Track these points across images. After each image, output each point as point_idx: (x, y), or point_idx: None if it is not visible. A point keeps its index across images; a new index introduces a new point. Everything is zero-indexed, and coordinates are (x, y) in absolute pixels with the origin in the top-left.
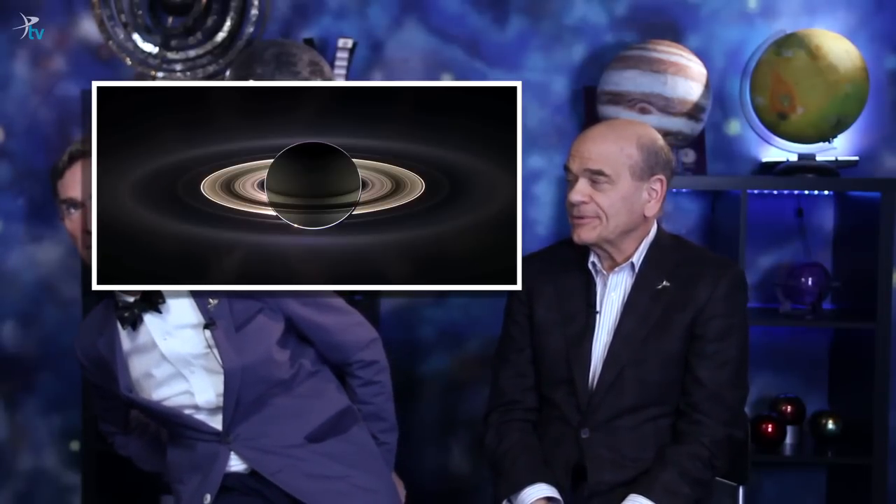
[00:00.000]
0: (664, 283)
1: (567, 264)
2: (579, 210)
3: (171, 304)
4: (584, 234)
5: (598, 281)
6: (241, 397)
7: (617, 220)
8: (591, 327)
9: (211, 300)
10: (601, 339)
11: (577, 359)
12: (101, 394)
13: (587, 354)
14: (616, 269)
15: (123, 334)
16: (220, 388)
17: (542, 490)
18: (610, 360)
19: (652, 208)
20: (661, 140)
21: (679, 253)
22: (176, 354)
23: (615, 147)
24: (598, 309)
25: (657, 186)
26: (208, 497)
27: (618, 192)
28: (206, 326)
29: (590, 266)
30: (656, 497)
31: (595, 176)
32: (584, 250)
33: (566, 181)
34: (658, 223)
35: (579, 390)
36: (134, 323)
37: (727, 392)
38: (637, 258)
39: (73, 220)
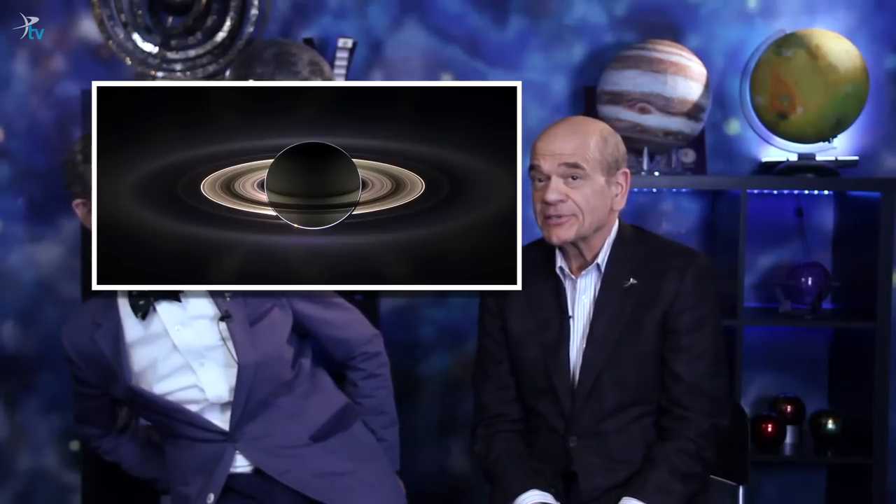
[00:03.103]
0: (631, 280)
1: (535, 271)
2: (556, 209)
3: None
4: (563, 233)
5: (568, 285)
6: (251, 394)
7: (592, 217)
8: (566, 333)
9: (225, 294)
10: (576, 344)
11: (556, 366)
12: (89, 392)
13: (565, 361)
14: (584, 271)
15: (129, 324)
16: (233, 383)
17: (534, 496)
18: (586, 365)
19: (619, 202)
20: (617, 134)
21: (642, 246)
22: (188, 346)
23: (585, 141)
24: (570, 314)
25: (622, 180)
26: (212, 497)
27: (591, 188)
28: (222, 318)
29: (558, 271)
30: (648, 498)
31: (571, 170)
32: (551, 255)
33: (533, 183)
34: (619, 218)
35: (562, 398)
36: (146, 312)
37: (706, 383)
38: (602, 258)
39: None
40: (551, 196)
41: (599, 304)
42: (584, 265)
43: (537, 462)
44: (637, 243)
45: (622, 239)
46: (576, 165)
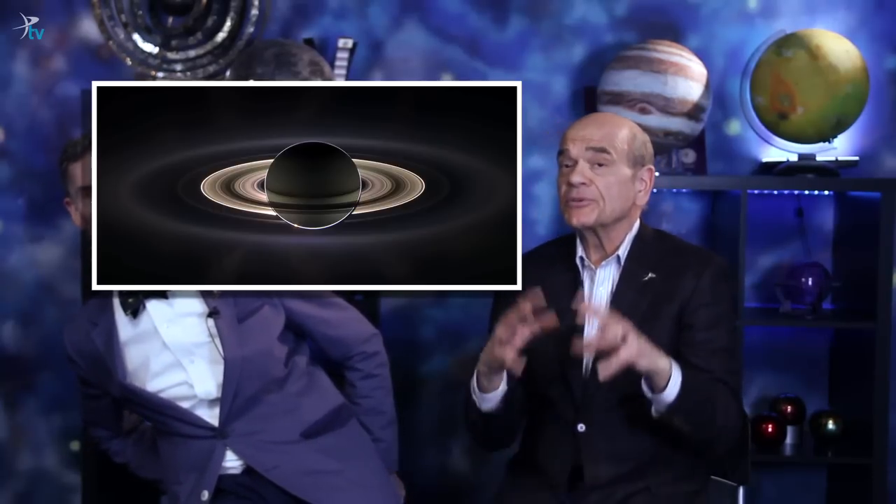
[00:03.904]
0: (649, 274)
1: (554, 262)
2: (579, 192)
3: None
4: (583, 217)
5: (586, 276)
6: (239, 390)
7: (613, 206)
8: (582, 322)
9: (214, 292)
10: (591, 334)
11: (570, 355)
12: (92, 392)
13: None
14: (603, 263)
15: (122, 323)
16: (220, 379)
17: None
18: (599, 353)
19: (642, 198)
20: (646, 134)
21: (662, 245)
22: (178, 343)
23: (614, 131)
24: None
25: (646, 176)
26: (206, 494)
27: (615, 176)
28: (209, 315)
29: (578, 261)
30: (686, 374)
31: (598, 155)
32: (571, 248)
33: (560, 169)
34: (641, 217)
35: (573, 386)
36: (136, 311)
37: (724, 377)
38: (622, 251)
39: (88, 205)
40: (575, 178)
41: (617, 295)
42: (603, 257)
43: (544, 453)
44: (657, 241)
45: (643, 236)
46: (603, 150)
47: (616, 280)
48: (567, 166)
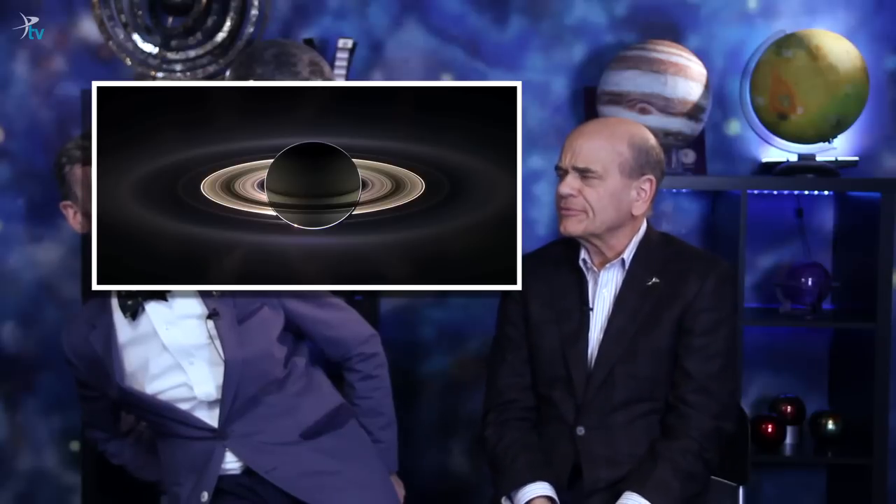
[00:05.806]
0: (653, 279)
1: (559, 263)
2: (566, 203)
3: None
4: (571, 227)
5: (590, 278)
6: (239, 391)
7: (603, 216)
8: (586, 324)
9: (214, 292)
10: (594, 336)
11: (574, 356)
12: (89, 394)
13: (583, 351)
14: (606, 265)
15: (121, 325)
16: (220, 381)
17: (542, 488)
18: (601, 357)
19: (639, 207)
20: (653, 140)
21: (668, 249)
22: (177, 345)
23: (606, 144)
24: (591, 306)
25: (646, 186)
26: (205, 495)
27: (606, 189)
28: (209, 317)
29: (581, 263)
30: (649, 494)
31: (583, 172)
32: (575, 249)
33: (556, 174)
34: (648, 221)
35: (576, 387)
36: (135, 312)
37: (715, 385)
38: (627, 255)
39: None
40: (563, 189)
41: (620, 299)
42: (606, 260)
43: (545, 452)
44: (663, 246)
45: (648, 240)
46: (586, 169)
47: (619, 283)
48: (560, 174)
